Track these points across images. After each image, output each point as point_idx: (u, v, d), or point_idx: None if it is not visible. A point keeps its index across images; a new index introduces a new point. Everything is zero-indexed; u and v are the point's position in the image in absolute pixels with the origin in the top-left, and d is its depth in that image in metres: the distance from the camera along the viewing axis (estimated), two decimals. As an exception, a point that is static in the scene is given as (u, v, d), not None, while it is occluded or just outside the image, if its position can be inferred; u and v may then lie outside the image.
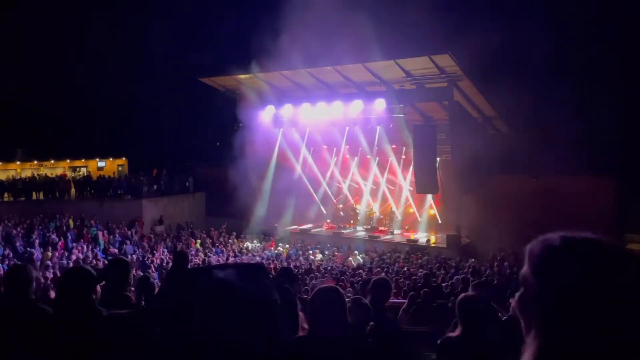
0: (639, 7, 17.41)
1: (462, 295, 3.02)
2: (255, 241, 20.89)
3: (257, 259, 16.74)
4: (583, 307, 0.94)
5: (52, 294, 6.68)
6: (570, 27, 19.33)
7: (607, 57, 18.45)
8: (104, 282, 3.18)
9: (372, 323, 3.27)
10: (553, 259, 0.99)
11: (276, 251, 19.14)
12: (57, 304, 2.56)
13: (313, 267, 14.79)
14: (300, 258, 17.16)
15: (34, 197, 23.44)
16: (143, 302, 4.17)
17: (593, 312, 0.93)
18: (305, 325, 2.68)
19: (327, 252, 18.58)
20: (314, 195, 23.90)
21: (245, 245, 19.84)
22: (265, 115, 22.43)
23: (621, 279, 0.95)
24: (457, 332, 2.88)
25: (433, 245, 19.14)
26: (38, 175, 25.49)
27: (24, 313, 2.79)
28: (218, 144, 23.99)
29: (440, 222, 21.01)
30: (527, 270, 1.03)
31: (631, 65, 17.74)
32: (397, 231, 21.47)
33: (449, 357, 2.83)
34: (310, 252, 18.52)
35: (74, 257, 14.52)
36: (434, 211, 21.43)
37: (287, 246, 20.05)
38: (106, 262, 14.38)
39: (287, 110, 21.85)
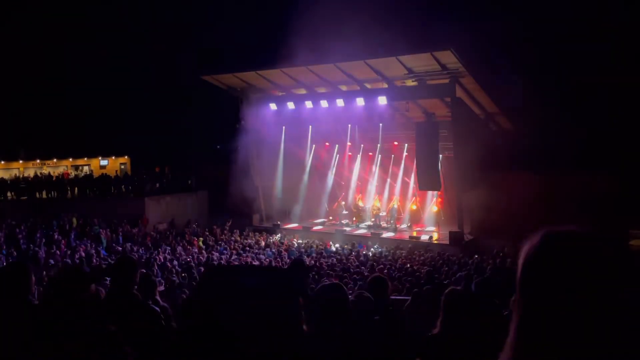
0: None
1: (449, 288, 3.00)
2: (258, 238, 20.88)
3: (261, 256, 16.74)
4: (559, 303, 0.93)
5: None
6: (570, 22, 19.26)
7: (607, 53, 18.37)
8: (109, 281, 3.16)
9: (376, 317, 3.25)
10: (530, 257, 1.00)
11: (278, 248, 19.11)
12: (46, 303, 2.53)
13: (317, 264, 14.79)
14: (304, 256, 17.13)
15: (37, 196, 23.53)
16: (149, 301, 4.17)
17: (567, 307, 0.93)
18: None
19: (336, 247, 18.72)
20: (318, 193, 23.93)
21: (248, 243, 19.84)
22: (267, 113, 22.42)
23: (596, 273, 0.93)
24: (437, 329, 2.85)
25: (436, 242, 19.12)
26: (41, 174, 25.57)
27: (24, 312, 2.79)
28: (218, 147, 23.95)
29: (443, 218, 21.02)
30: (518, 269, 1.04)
31: (630, 59, 17.67)
32: (400, 227, 21.49)
33: (430, 355, 2.79)
34: (313, 248, 18.51)
35: (77, 256, 14.56)
36: (437, 208, 21.45)
37: (290, 243, 20.05)
38: (110, 260, 14.44)
39: (290, 107, 21.84)
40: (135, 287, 3.43)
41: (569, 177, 17.55)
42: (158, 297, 4.20)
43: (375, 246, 18.30)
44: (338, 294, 2.45)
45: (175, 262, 13.66)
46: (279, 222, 22.97)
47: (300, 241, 20.21)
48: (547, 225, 1.06)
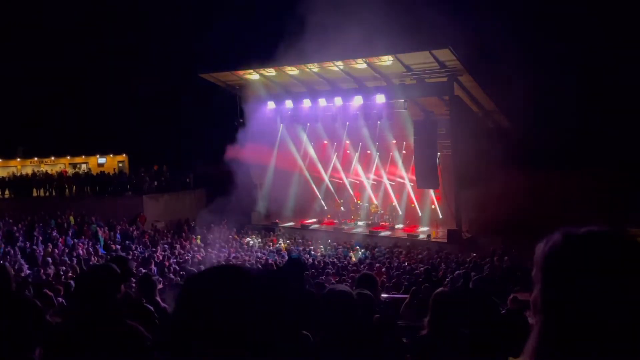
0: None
1: (438, 290, 2.99)
2: (256, 237, 20.89)
3: (258, 254, 16.74)
4: (582, 304, 0.93)
5: (47, 290, 6.65)
6: (570, 21, 19.24)
7: (607, 53, 18.37)
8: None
9: (377, 316, 3.24)
10: (553, 256, 0.99)
11: (276, 247, 19.12)
12: (74, 305, 2.48)
13: (315, 262, 14.81)
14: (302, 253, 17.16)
15: (35, 194, 23.49)
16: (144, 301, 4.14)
17: (591, 305, 0.92)
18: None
19: (328, 248, 18.59)
20: (315, 191, 23.92)
21: (246, 241, 19.85)
22: (266, 111, 22.40)
23: (621, 270, 0.93)
24: (425, 330, 2.85)
25: (434, 240, 19.14)
26: (38, 172, 25.52)
27: (10, 307, 2.82)
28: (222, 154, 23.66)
29: (441, 216, 21.04)
30: (534, 271, 1.03)
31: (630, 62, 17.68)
32: (398, 226, 21.49)
33: (419, 356, 2.78)
34: (312, 247, 18.54)
35: (75, 254, 14.55)
36: (434, 206, 21.46)
37: (288, 242, 20.06)
38: (108, 258, 14.43)
39: (288, 105, 21.83)
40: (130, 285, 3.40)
41: (568, 174, 17.57)
42: (158, 298, 4.18)
43: (362, 251, 18.03)
44: (347, 302, 2.41)
45: (174, 260, 13.65)
46: (277, 221, 22.96)
47: (299, 240, 20.12)
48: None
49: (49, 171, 26.06)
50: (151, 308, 3.37)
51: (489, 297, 3.18)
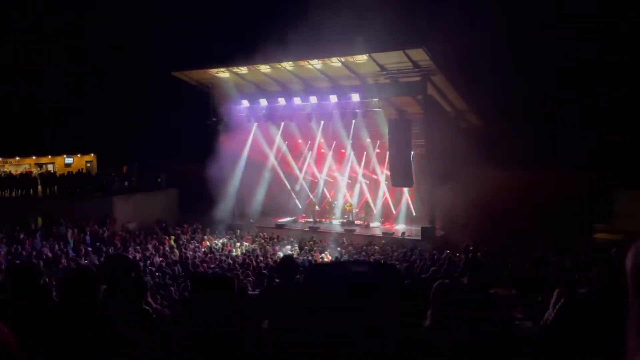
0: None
1: (438, 282, 3.01)
2: (230, 237, 20.67)
3: (232, 254, 16.58)
4: None
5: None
6: (545, 21, 19.72)
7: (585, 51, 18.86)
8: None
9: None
10: None
11: (253, 246, 18.97)
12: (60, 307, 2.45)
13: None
14: (279, 253, 17.06)
15: (0, 194, 22.70)
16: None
17: None
18: None
19: (306, 247, 18.55)
20: (290, 190, 23.88)
21: (221, 241, 19.63)
22: (239, 110, 22.22)
23: None
24: (427, 322, 2.86)
25: (408, 237, 19.35)
26: (3, 172, 24.65)
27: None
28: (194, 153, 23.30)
29: (414, 214, 21.31)
30: (630, 285, 1.03)
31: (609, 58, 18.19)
32: (373, 224, 21.64)
33: (417, 348, 2.79)
34: (289, 247, 18.47)
35: (44, 256, 14.08)
36: (409, 204, 21.73)
37: (263, 241, 19.92)
38: (78, 260, 14.05)
39: (262, 104, 21.71)
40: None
41: (538, 173, 18.02)
42: (150, 299, 4.08)
43: (337, 249, 17.97)
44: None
45: (148, 262, 13.39)
46: (251, 220, 22.80)
47: (275, 239, 20.03)
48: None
49: (14, 172, 25.19)
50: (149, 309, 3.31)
51: (485, 290, 3.23)
